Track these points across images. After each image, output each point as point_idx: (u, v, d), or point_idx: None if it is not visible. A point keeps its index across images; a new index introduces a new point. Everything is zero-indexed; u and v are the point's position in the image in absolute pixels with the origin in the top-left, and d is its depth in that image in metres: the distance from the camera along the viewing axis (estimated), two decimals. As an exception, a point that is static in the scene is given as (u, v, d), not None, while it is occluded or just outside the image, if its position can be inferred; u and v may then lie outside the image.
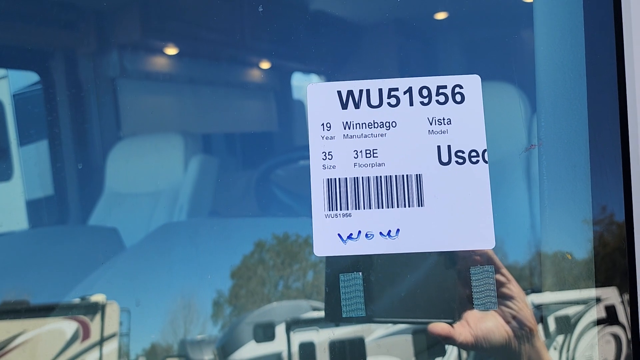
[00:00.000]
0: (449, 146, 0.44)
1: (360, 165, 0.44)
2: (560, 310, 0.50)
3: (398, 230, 0.43)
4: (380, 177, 0.44)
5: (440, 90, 0.44)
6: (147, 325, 0.58)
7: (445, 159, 0.44)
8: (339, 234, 0.43)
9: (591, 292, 0.48)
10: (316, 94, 0.45)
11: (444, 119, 0.44)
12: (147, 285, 0.61)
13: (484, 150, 0.44)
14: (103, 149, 0.87)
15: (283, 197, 0.75)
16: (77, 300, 0.60)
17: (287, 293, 0.60)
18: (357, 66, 0.63)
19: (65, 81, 0.89)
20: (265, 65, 0.88)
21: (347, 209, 0.43)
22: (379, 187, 0.44)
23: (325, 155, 0.44)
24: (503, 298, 0.45)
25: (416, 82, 0.45)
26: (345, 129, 0.44)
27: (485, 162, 0.44)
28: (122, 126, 0.88)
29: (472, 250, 0.44)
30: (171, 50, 0.87)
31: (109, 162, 0.84)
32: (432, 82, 0.44)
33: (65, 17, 0.86)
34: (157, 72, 0.88)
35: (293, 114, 0.88)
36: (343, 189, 0.44)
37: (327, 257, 0.46)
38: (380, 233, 0.43)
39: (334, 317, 0.46)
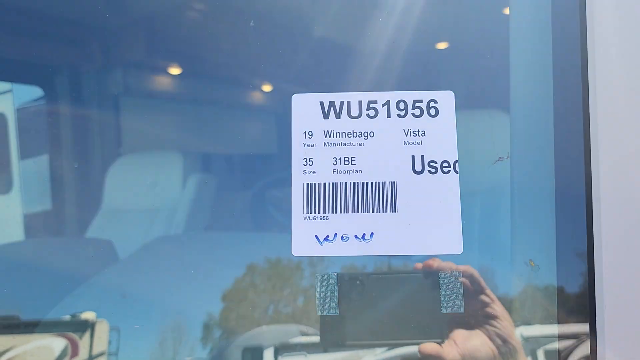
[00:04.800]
0: (422, 156, 0.46)
1: (338, 172, 0.46)
2: (550, 344, 0.50)
3: (372, 233, 0.45)
4: (357, 183, 0.46)
5: (416, 104, 0.47)
6: (136, 345, 0.58)
7: (418, 168, 0.46)
8: (316, 236, 0.45)
9: (582, 327, 0.48)
10: (300, 104, 0.48)
11: (418, 131, 0.46)
12: (137, 305, 0.61)
13: (455, 161, 0.46)
14: (102, 165, 0.88)
15: (278, 216, 0.76)
16: (67, 317, 0.60)
17: (277, 317, 0.60)
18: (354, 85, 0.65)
19: (68, 97, 0.91)
20: (265, 87, 0.90)
21: (325, 212, 0.45)
22: (356, 193, 0.46)
23: (306, 161, 0.46)
24: (487, 317, 0.47)
25: (394, 96, 0.47)
26: (326, 137, 0.47)
27: (456, 172, 0.46)
28: (122, 143, 0.90)
29: (458, 271, 0.46)
30: (173, 70, 0.90)
31: (108, 177, 0.85)
32: (409, 96, 0.47)
33: (70, 34, 0.88)
34: (157, 90, 0.91)
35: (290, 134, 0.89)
36: (322, 194, 0.46)
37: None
38: (355, 236, 0.45)
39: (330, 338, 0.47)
